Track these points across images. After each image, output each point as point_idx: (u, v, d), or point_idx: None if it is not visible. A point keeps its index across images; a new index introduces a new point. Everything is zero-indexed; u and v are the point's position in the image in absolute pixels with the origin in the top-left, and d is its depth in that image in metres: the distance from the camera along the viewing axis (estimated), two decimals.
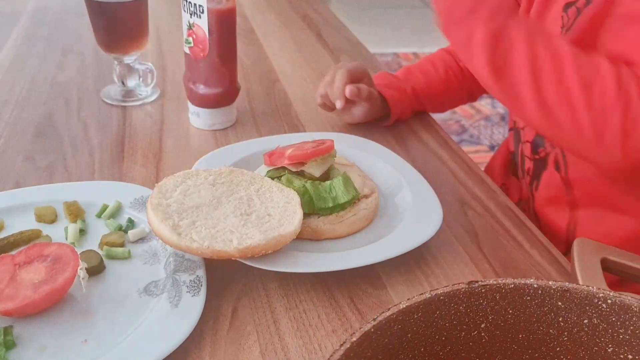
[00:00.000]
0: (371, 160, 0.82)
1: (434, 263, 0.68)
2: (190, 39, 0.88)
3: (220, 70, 0.89)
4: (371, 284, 0.64)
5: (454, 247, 0.71)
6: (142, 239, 0.67)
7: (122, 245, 0.66)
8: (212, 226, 0.60)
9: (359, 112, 0.93)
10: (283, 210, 0.64)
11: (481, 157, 2.82)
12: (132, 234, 0.67)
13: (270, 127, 0.96)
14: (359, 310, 0.62)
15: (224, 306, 0.60)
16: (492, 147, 2.90)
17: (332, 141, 0.73)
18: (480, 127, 3.09)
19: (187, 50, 0.89)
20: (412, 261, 0.67)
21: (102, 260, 0.62)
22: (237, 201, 0.64)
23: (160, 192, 0.63)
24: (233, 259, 0.59)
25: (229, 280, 0.63)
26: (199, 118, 0.93)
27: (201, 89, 0.90)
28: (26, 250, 0.60)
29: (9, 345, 0.53)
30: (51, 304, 0.57)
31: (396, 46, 3.93)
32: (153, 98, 1.02)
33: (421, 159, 0.89)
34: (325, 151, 0.71)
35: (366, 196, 0.72)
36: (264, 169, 0.74)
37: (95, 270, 0.61)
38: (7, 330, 0.53)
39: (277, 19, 1.46)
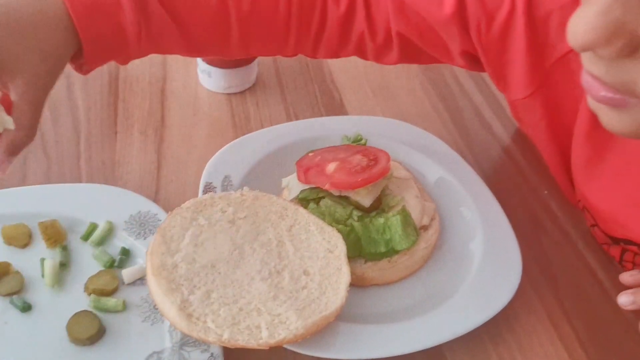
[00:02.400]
0: (426, 163, 0.65)
1: (507, 328, 0.54)
2: None
3: None
4: (430, 358, 0.51)
5: (530, 301, 0.57)
6: (140, 279, 0.53)
7: (114, 291, 0.51)
8: (232, 300, 0.45)
9: None
10: (324, 264, 0.49)
11: None
12: (127, 274, 0.52)
13: (298, 92, 0.78)
14: None
15: None
16: None
17: (388, 158, 0.56)
18: None
19: None
20: (480, 326, 0.53)
21: (100, 328, 0.48)
22: (264, 250, 0.49)
23: (164, 242, 0.47)
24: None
25: (249, 358, 0.49)
26: (210, 78, 0.75)
27: None
28: None
29: None
30: None
31: None
32: None
33: (485, 153, 0.72)
34: (379, 176, 0.54)
35: (425, 228, 0.57)
36: (296, 184, 0.58)
37: (93, 339, 0.48)
38: None
39: None
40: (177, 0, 0.51)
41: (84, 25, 0.48)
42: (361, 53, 0.60)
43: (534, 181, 0.70)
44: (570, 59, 0.53)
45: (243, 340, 0.43)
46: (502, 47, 0.54)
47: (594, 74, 0.35)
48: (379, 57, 0.60)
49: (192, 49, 0.57)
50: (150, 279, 0.45)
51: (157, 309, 0.50)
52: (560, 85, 0.55)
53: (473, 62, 0.57)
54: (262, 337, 0.43)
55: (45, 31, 0.47)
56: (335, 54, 0.60)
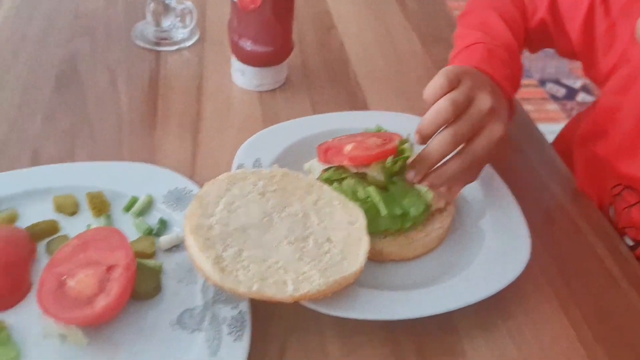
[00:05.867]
0: None
1: (516, 304, 0.57)
2: None
3: (274, 27, 0.75)
4: (442, 329, 0.55)
5: (538, 283, 0.60)
6: (175, 247, 0.57)
7: (152, 255, 0.56)
8: (261, 259, 0.49)
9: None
10: (346, 235, 0.53)
11: (530, 92, 2.62)
12: (164, 240, 0.57)
13: (325, 91, 0.83)
14: None
15: (270, 349, 0.51)
16: (542, 82, 2.69)
17: (401, 138, 0.60)
18: (531, 58, 2.87)
19: None
20: (490, 301, 0.56)
21: (159, 284, 0.53)
22: (291, 219, 0.53)
23: (200, 207, 0.52)
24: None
25: (275, 316, 0.53)
26: (243, 76, 0.80)
27: (249, 45, 0.76)
28: (70, 254, 0.51)
29: None
30: (109, 319, 0.50)
31: None
32: (191, 42, 0.89)
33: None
34: (392, 151, 0.58)
35: (440, 210, 0.61)
36: (317, 165, 0.62)
37: (148, 295, 0.53)
38: None
39: None
40: None
41: None
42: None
43: (544, 175, 0.73)
44: None
45: (270, 292, 0.47)
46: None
47: None
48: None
49: None
50: (188, 237, 0.50)
51: (192, 267, 0.55)
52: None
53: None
54: (288, 291, 0.47)
55: None
56: None
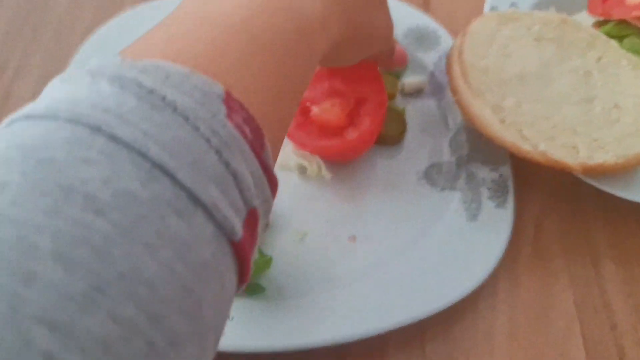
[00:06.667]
0: None
1: None
2: None
3: None
4: None
5: None
6: (417, 92, 0.50)
7: (393, 97, 0.49)
8: (544, 116, 0.41)
9: None
10: (637, 102, 0.43)
11: None
12: (408, 83, 0.50)
13: None
14: None
15: (525, 221, 0.44)
16: None
17: None
18: None
19: None
20: None
21: (404, 129, 0.48)
22: (571, 76, 0.44)
23: (472, 45, 0.44)
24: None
25: (532, 184, 0.46)
26: None
27: None
28: (313, 80, 0.45)
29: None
30: (356, 156, 0.46)
31: None
32: None
33: None
34: None
35: None
36: (587, 18, 0.51)
37: (393, 140, 0.47)
38: None
39: None
40: None
41: None
42: None
43: None
44: None
45: (559, 155, 0.39)
46: None
47: None
48: None
49: None
50: (459, 79, 0.42)
51: (437, 118, 0.48)
52: None
53: None
54: (580, 157, 0.39)
55: None
56: None
